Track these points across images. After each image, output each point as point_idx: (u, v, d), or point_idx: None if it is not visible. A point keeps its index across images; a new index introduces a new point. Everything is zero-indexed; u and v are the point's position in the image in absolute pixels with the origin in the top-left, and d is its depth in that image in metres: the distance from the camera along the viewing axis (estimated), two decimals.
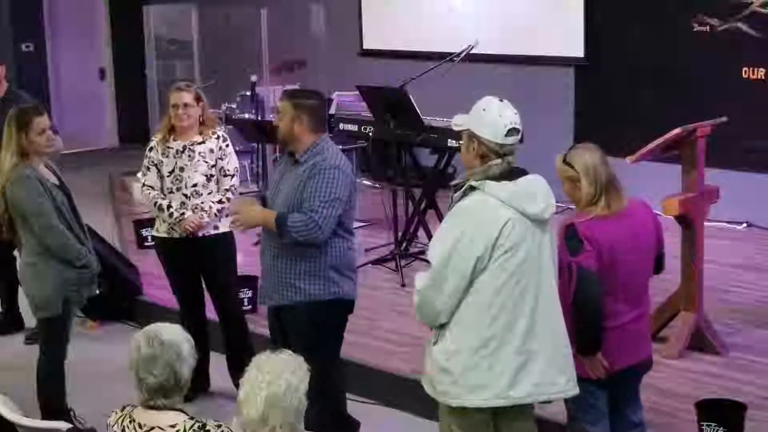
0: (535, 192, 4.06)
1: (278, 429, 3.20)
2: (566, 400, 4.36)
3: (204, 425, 3.40)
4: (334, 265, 4.84)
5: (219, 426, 3.41)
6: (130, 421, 3.43)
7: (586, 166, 4.29)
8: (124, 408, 3.51)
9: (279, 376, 3.24)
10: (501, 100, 4.13)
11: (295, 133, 4.83)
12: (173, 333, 3.48)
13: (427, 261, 4.13)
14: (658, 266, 4.53)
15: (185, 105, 5.86)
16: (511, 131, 4.06)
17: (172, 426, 3.39)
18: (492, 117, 4.07)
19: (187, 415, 3.45)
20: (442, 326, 4.10)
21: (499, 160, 4.05)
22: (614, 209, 4.30)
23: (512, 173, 4.06)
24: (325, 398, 4.83)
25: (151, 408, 3.43)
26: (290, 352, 3.40)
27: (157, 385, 3.40)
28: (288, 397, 3.22)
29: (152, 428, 3.39)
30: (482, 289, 4.00)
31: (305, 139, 4.83)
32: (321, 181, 4.71)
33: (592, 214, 4.28)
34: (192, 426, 3.39)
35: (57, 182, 5.52)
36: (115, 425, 3.46)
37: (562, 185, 4.39)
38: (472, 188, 4.04)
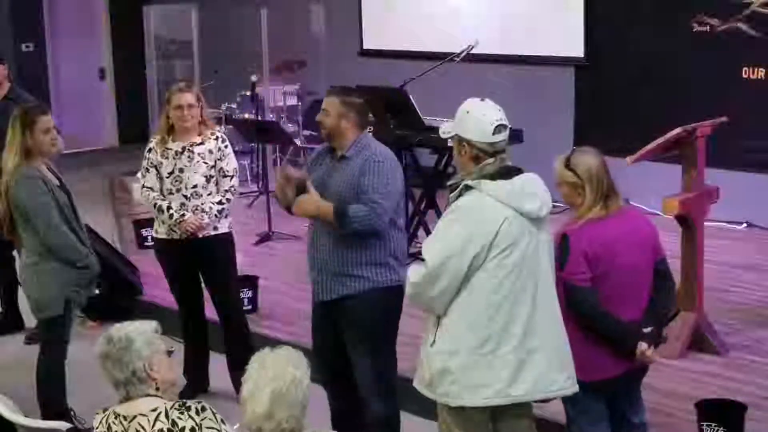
0: (532, 191, 4.07)
1: (284, 423, 3.21)
2: (565, 403, 4.36)
3: (184, 403, 3.45)
4: (394, 253, 4.94)
5: (203, 407, 3.45)
6: (115, 417, 3.47)
7: (590, 173, 4.27)
8: (106, 409, 3.54)
9: (283, 370, 3.25)
10: (482, 100, 4.16)
11: (341, 129, 4.91)
12: (126, 329, 3.54)
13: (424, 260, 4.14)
14: (662, 275, 4.47)
15: (189, 106, 5.83)
16: (498, 128, 4.07)
17: (153, 410, 3.43)
18: (476, 118, 4.09)
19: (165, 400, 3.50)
20: (439, 326, 4.10)
21: (492, 159, 4.07)
22: (611, 210, 4.30)
23: (508, 172, 4.07)
24: (384, 397, 4.96)
25: (126, 400, 3.49)
26: (290, 347, 3.39)
27: (114, 380, 3.50)
28: (293, 390, 3.23)
29: (135, 417, 3.44)
30: (479, 288, 4.00)
31: (350, 135, 4.92)
32: (377, 174, 4.81)
33: (585, 218, 4.27)
34: (173, 405, 3.44)
35: (58, 182, 5.52)
36: (99, 425, 3.50)
37: (559, 188, 4.38)
38: (468, 188, 4.05)
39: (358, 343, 4.92)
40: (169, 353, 3.61)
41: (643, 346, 4.28)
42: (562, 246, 4.23)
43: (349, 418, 5.19)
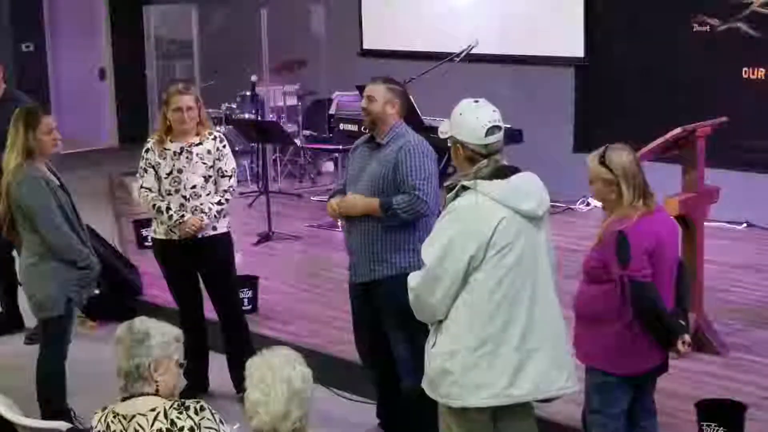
0: (528, 190, 4.07)
1: (297, 423, 3.22)
2: (589, 394, 4.37)
3: (183, 403, 3.45)
4: (423, 239, 4.92)
5: (202, 406, 3.45)
6: (114, 416, 3.47)
7: (624, 169, 4.26)
8: (104, 408, 3.54)
9: (293, 369, 3.26)
10: (476, 101, 4.17)
11: (386, 115, 5.07)
12: (149, 324, 3.54)
13: None
14: (682, 269, 4.50)
15: (188, 108, 5.81)
16: (492, 129, 4.08)
17: (152, 410, 3.43)
18: (469, 120, 4.11)
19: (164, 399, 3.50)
20: (440, 327, 4.11)
21: (486, 161, 4.08)
22: (652, 207, 4.31)
23: (504, 171, 4.07)
24: (418, 375, 4.98)
25: (127, 398, 3.49)
26: (286, 347, 3.39)
27: (118, 368, 3.50)
28: (305, 387, 3.25)
29: (134, 416, 3.44)
30: (478, 288, 4.01)
31: (391, 122, 5.08)
32: (415, 160, 4.96)
33: (635, 215, 4.25)
34: (172, 405, 3.44)
35: (58, 183, 5.52)
36: (98, 424, 3.50)
37: (592, 185, 4.37)
38: (465, 188, 4.06)
39: (392, 327, 5.07)
40: (181, 366, 3.60)
41: (687, 338, 4.32)
42: (622, 244, 4.20)
43: (393, 403, 5.31)
